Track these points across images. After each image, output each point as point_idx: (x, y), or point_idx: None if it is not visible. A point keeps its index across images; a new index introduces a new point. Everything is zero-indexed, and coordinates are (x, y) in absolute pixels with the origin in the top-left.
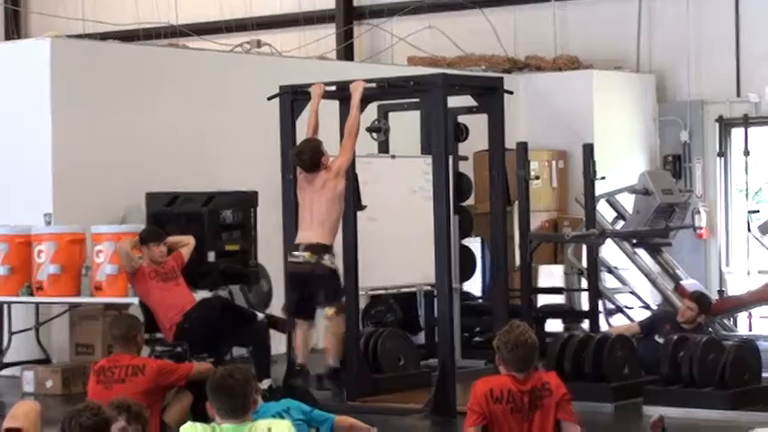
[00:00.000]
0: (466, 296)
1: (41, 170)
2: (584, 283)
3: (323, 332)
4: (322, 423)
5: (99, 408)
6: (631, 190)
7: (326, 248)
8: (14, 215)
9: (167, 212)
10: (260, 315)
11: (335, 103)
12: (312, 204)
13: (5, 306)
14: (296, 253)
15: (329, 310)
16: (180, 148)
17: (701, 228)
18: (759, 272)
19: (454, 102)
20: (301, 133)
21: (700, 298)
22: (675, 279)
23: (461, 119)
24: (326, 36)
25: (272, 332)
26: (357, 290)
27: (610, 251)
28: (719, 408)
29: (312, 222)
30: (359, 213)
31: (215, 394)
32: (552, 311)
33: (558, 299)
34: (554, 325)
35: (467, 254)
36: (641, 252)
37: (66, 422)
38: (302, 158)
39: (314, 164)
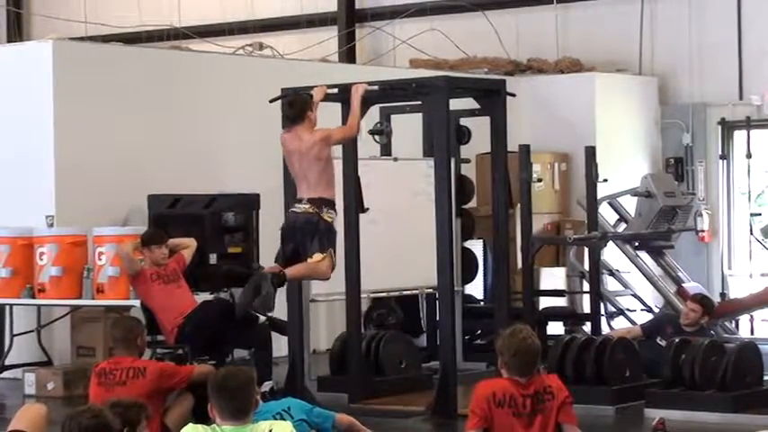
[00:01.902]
0: (468, 299)
1: (43, 172)
2: (586, 286)
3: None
4: (323, 421)
5: (100, 410)
6: (633, 192)
7: (328, 202)
8: (16, 217)
9: (169, 214)
10: (261, 317)
11: (337, 106)
12: (303, 169)
13: (7, 308)
14: (297, 205)
15: (317, 257)
16: (182, 150)
17: (703, 230)
18: (761, 275)
19: (456, 104)
20: None
21: (703, 300)
22: (677, 282)
23: (463, 121)
24: (328, 38)
25: (274, 334)
26: (359, 292)
27: (612, 254)
28: (721, 411)
29: (309, 184)
30: (361, 216)
31: (216, 395)
32: (554, 314)
33: (560, 301)
34: (556, 328)
35: (469, 256)
36: (643, 255)
37: (66, 423)
38: (291, 104)
39: (300, 112)
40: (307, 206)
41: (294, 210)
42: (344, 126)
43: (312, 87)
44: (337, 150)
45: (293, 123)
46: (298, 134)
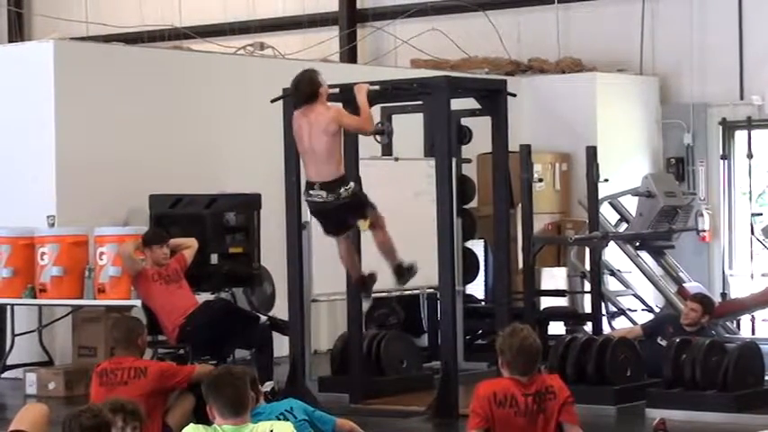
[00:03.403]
0: (469, 298)
1: (45, 172)
2: (587, 286)
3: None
4: (324, 424)
5: (100, 409)
6: (634, 192)
7: (342, 181)
8: (17, 217)
9: (170, 214)
10: (262, 317)
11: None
12: (312, 145)
13: (8, 308)
14: (312, 192)
15: (363, 224)
16: (183, 150)
17: (704, 230)
18: (762, 275)
19: (457, 104)
20: None
21: (703, 299)
22: (678, 282)
23: (464, 121)
24: (330, 38)
25: (275, 334)
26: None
27: (613, 254)
28: (722, 411)
29: (318, 163)
30: None
31: (212, 392)
32: (555, 314)
33: (561, 301)
34: (557, 327)
35: (470, 256)
36: (644, 255)
37: (67, 423)
38: (300, 86)
39: (311, 92)
40: (323, 193)
41: (312, 199)
42: (357, 117)
43: None
44: None
45: (307, 104)
46: (313, 109)
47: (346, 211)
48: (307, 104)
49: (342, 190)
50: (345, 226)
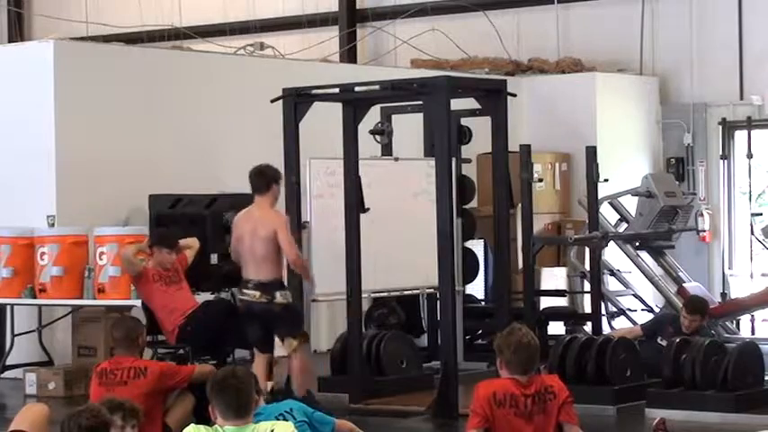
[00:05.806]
0: (468, 299)
1: (44, 172)
2: (587, 286)
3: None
4: (324, 425)
5: (99, 409)
6: (634, 192)
7: (279, 285)
8: (17, 217)
9: (170, 214)
10: None
11: (338, 105)
12: (253, 246)
13: (8, 308)
14: (246, 291)
15: (291, 344)
16: (183, 150)
17: (704, 230)
18: (762, 275)
19: (457, 104)
20: (304, 135)
21: (699, 307)
22: (678, 282)
23: (464, 121)
24: (330, 38)
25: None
26: (360, 292)
27: (613, 254)
28: (722, 410)
29: (257, 263)
30: (362, 216)
31: (216, 394)
32: (555, 314)
33: (561, 301)
34: (557, 327)
35: (470, 256)
36: (644, 255)
37: (66, 423)
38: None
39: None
40: (256, 293)
41: (244, 298)
42: (290, 243)
43: (314, 87)
44: (338, 150)
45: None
46: (261, 206)
47: (279, 322)
48: (258, 194)
49: (278, 294)
50: (271, 340)
